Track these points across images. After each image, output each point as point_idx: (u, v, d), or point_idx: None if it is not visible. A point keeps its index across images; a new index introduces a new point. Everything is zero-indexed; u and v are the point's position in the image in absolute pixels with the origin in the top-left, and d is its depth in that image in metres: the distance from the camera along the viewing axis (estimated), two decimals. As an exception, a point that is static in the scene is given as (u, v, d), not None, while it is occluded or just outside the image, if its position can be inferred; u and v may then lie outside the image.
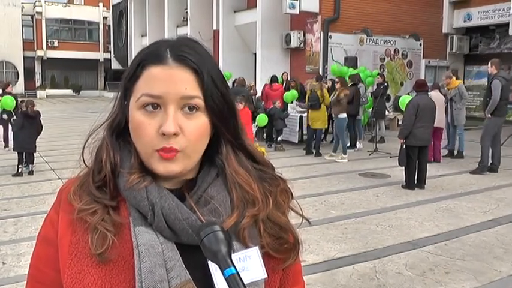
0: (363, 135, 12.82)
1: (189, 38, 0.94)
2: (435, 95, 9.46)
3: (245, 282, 0.74)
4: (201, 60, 0.89)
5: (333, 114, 10.76)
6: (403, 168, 7.79)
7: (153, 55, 0.89)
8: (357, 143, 12.05)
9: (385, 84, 13.03)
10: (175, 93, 0.86)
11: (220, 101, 0.90)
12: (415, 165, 7.65)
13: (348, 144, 11.04)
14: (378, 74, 13.42)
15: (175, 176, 0.90)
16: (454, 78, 10.22)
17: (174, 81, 0.86)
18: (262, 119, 10.99)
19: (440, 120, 9.40)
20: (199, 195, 0.91)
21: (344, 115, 10.34)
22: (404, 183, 7.69)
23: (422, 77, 15.68)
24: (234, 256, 0.83)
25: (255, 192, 0.92)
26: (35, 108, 8.89)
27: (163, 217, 0.86)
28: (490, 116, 8.69)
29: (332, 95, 10.64)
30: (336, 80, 11.09)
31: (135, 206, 0.88)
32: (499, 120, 8.78)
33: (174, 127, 0.85)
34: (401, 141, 7.68)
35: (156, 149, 0.86)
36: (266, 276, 0.86)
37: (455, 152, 10.50)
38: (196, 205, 0.89)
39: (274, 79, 13.35)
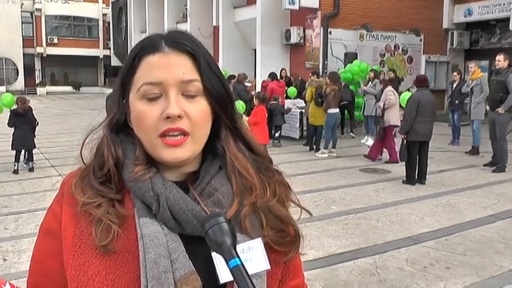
0: (375, 131, 12.80)
1: (180, 30, 0.96)
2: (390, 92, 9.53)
3: (249, 274, 0.75)
4: (195, 45, 0.91)
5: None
6: (404, 163, 7.79)
7: (148, 45, 0.91)
8: (366, 137, 12.09)
9: (399, 78, 13.12)
10: (174, 78, 0.87)
11: (218, 85, 0.91)
12: (415, 160, 7.65)
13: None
14: (390, 70, 13.48)
15: (182, 163, 0.91)
16: (479, 69, 10.00)
17: (172, 66, 0.88)
18: None
19: (395, 118, 9.46)
20: (202, 187, 0.91)
21: (334, 110, 10.22)
22: (405, 179, 7.68)
23: (423, 73, 15.65)
24: (238, 247, 0.83)
25: (252, 178, 0.93)
26: (26, 105, 8.83)
27: (168, 208, 0.86)
28: (503, 112, 8.41)
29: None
30: (326, 75, 11.10)
31: (140, 197, 0.88)
32: (509, 116, 8.64)
33: (178, 109, 0.86)
34: (402, 136, 7.68)
35: (159, 133, 0.87)
36: (269, 267, 0.87)
37: (471, 148, 10.18)
38: (200, 197, 0.90)
39: (275, 76, 13.42)
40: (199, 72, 0.89)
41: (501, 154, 8.58)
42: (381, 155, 9.79)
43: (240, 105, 8.96)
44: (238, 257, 0.76)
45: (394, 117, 9.39)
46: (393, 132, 9.54)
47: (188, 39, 0.91)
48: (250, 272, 0.76)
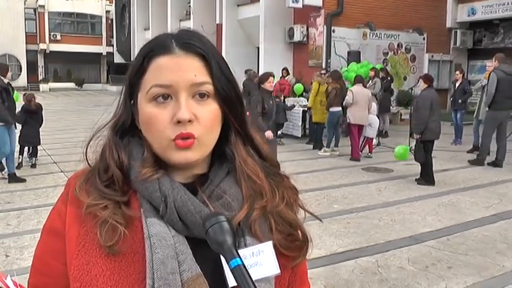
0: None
1: (191, 29, 0.94)
2: (359, 90, 9.55)
3: (258, 278, 0.74)
4: (206, 46, 0.89)
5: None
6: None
7: (158, 46, 0.89)
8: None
9: (389, 78, 13.05)
10: (185, 81, 0.86)
11: (228, 87, 0.90)
12: (431, 159, 7.61)
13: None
14: (381, 69, 13.41)
15: (191, 165, 0.90)
16: None
17: (183, 69, 0.86)
18: None
19: (363, 117, 9.49)
20: (211, 189, 0.90)
21: (336, 109, 10.15)
22: (419, 178, 7.60)
23: (426, 72, 15.62)
24: (247, 251, 0.83)
25: (262, 182, 0.92)
26: (36, 101, 8.84)
27: (175, 209, 0.85)
28: (487, 109, 8.78)
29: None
30: (328, 73, 11.09)
31: (147, 198, 0.87)
32: (499, 114, 8.72)
33: (188, 114, 0.84)
34: (417, 136, 7.60)
35: (172, 137, 0.85)
36: (279, 271, 0.85)
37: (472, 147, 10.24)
38: (209, 199, 0.88)
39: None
40: (211, 75, 0.88)
41: (483, 147, 9.01)
42: (370, 152, 9.91)
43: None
44: (239, 257, 0.75)
45: (352, 115, 9.44)
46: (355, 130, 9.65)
47: (199, 40, 0.90)
48: (259, 276, 0.75)
